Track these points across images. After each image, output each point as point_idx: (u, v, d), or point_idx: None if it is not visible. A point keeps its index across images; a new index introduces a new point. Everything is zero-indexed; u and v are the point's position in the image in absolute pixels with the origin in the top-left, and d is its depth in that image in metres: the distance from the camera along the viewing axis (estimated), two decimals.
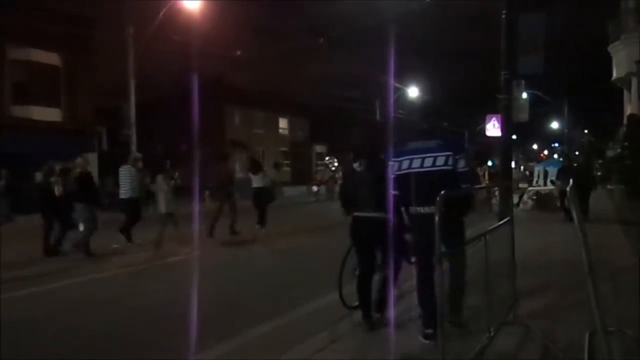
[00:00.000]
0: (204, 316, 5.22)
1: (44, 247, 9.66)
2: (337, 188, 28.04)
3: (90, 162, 10.18)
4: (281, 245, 10.90)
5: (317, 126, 49.33)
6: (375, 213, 4.48)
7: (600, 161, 28.22)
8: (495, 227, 4.71)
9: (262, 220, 11.93)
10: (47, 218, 9.87)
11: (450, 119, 50.14)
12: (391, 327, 4.47)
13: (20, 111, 21.42)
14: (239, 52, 27.15)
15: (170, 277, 7.85)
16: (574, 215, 3.28)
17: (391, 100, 33.08)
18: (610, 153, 25.01)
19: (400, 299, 5.47)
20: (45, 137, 21.20)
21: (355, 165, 4.74)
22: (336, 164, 32.41)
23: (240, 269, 8.54)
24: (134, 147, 21.24)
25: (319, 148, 48.92)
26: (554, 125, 51.46)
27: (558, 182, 14.42)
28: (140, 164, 11.16)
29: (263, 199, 12.20)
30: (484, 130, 20.37)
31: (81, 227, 9.66)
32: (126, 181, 10.66)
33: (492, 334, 4.01)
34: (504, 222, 5.06)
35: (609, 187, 20.56)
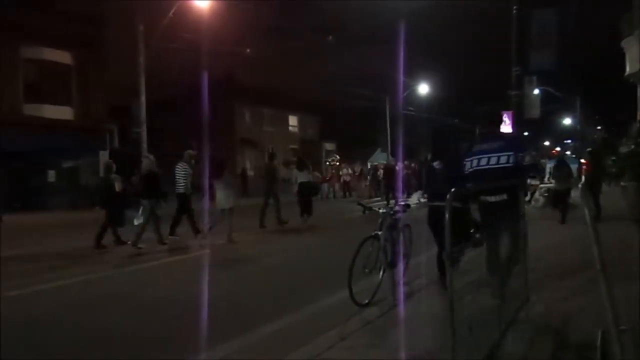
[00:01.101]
0: (215, 313, 5.25)
1: (114, 238, 10.49)
2: (337, 186, 28.01)
3: (154, 162, 10.93)
4: (292, 242, 10.91)
5: (326, 123, 49.32)
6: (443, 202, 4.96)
7: (613, 158, 27.90)
8: (505, 225, 4.67)
9: (308, 212, 13.28)
10: (108, 212, 10.57)
11: (461, 115, 49.90)
12: (402, 325, 4.46)
13: (32, 109, 21.63)
14: (248, 50, 27.18)
15: (184, 273, 7.89)
16: (586, 212, 3.23)
17: (401, 97, 32.90)
18: (623, 149, 24.71)
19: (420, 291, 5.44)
20: (57, 135, 21.41)
21: (435, 163, 5.74)
22: (338, 162, 32.07)
23: (250, 265, 8.55)
24: (144, 145, 21.37)
25: (329, 145, 48.89)
26: (567, 121, 50.99)
27: (551, 181, 13.77)
28: (194, 161, 11.67)
29: (308, 192, 13.75)
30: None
31: (136, 222, 10.28)
32: (182, 177, 11.13)
33: (503, 332, 3.98)
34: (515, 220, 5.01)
35: (622, 184, 20.32)
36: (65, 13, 22.49)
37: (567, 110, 45.91)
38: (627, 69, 20.39)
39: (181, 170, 11.21)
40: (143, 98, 21.58)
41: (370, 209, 6.52)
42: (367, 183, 27.22)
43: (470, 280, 4.56)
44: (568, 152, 44.64)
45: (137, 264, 8.72)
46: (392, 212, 5.88)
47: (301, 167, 14.45)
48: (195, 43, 23.43)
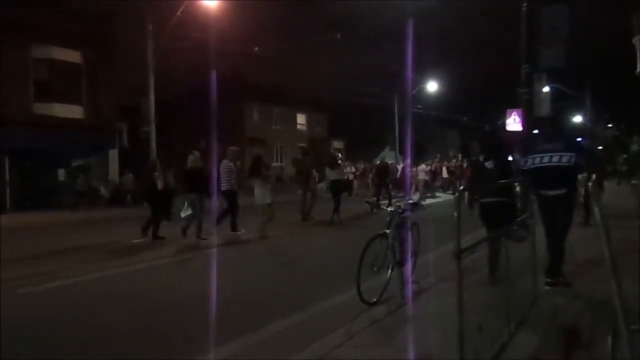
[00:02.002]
0: (224, 311, 5.27)
1: (151, 233, 10.94)
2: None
3: (199, 159, 11.43)
4: (300, 242, 10.92)
5: (335, 122, 49.32)
6: (499, 198, 5.82)
7: (624, 156, 27.64)
8: (515, 224, 4.65)
9: (337, 208, 13.86)
10: (152, 208, 11.18)
11: (470, 113, 49.68)
12: (410, 323, 4.44)
13: (42, 108, 21.81)
14: (256, 49, 27.20)
15: (195, 271, 7.93)
16: (596, 211, 3.20)
17: (410, 95, 32.78)
18: (634, 147, 24.49)
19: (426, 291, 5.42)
20: (67, 134, 21.57)
21: (487, 163, 6.17)
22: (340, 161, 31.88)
23: (259, 263, 8.57)
24: (153, 144, 21.49)
25: (337, 143, 48.86)
26: (577, 119, 50.57)
27: None
28: (238, 159, 12.21)
29: (339, 189, 14.65)
30: (504, 124, 20.10)
31: (183, 214, 10.88)
32: (226, 174, 11.54)
33: (512, 331, 3.96)
34: (525, 218, 4.98)
35: (633, 182, 20.13)
36: (75, 12, 22.65)
37: (578, 107, 45.53)
38: (638, 67, 20.20)
39: (225, 168, 11.63)
40: (152, 97, 21.69)
41: (378, 207, 6.52)
42: (369, 181, 27.05)
43: (480, 278, 4.56)
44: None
45: (154, 260, 8.77)
46: (400, 210, 5.87)
47: (333, 165, 15.35)
48: (204, 42, 23.51)
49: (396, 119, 40.00)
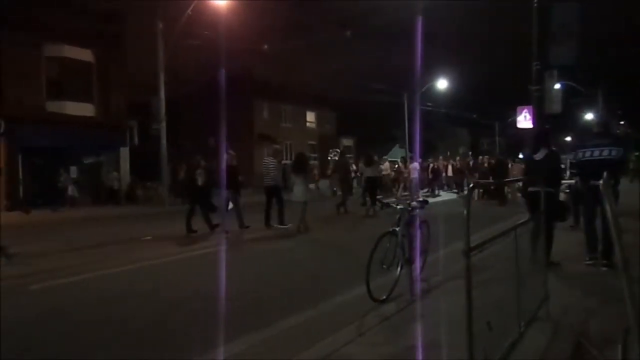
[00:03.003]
0: (234, 307, 5.30)
1: (186, 227, 11.62)
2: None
3: (235, 157, 12.38)
4: (310, 239, 10.94)
5: (344, 119, 49.25)
6: (545, 188, 6.32)
7: (637, 153, 27.33)
8: (526, 221, 4.63)
9: (373, 202, 14.50)
10: (192, 203, 11.93)
11: (481, 110, 49.40)
12: (419, 321, 4.45)
13: (54, 106, 22.00)
14: (266, 47, 27.22)
15: (206, 267, 7.98)
16: (607, 208, 3.18)
17: (418, 93, 32.64)
18: None
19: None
20: (78, 131, 21.75)
21: (536, 155, 6.90)
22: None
23: (270, 260, 8.60)
24: (164, 141, 21.60)
25: (346, 141, 48.82)
26: (589, 116, 50.09)
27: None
28: (280, 156, 12.93)
29: (374, 185, 15.59)
30: (515, 122, 19.97)
31: (227, 209, 11.88)
32: (270, 171, 12.21)
33: (522, 330, 3.95)
34: (535, 216, 4.95)
35: None
36: (86, 11, 22.80)
37: (589, 104, 45.08)
38: None
39: (269, 165, 12.27)
40: (162, 95, 21.80)
41: (388, 205, 6.53)
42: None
43: (489, 276, 4.51)
44: (568, 139, 43.83)
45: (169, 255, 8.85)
46: (409, 208, 5.87)
47: (369, 163, 16.25)
48: (213, 40, 23.55)
49: (406, 116, 39.86)
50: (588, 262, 6.64)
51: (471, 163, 25.44)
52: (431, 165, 25.78)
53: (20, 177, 21.23)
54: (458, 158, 30.74)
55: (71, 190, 21.75)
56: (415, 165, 22.21)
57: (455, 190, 25.33)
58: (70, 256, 9.20)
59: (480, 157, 26.50)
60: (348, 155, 28.36)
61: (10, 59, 20.33)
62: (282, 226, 11.80)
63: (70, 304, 6.00)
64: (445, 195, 23.31)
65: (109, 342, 4.62)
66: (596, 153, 6.56)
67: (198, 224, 11.76)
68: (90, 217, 17.50)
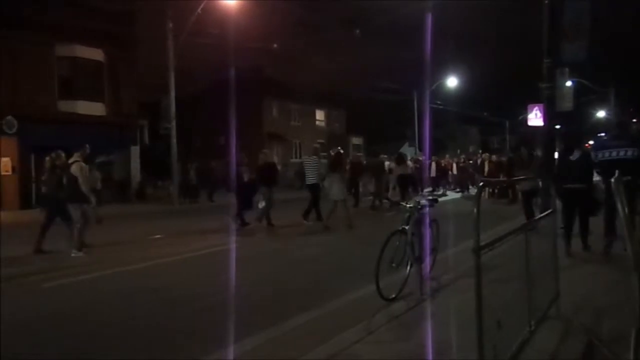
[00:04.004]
0: (244, 305, 5.33)
1: (240, 221, 12.15)
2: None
3: (269, 155, 12.94)
4: (319, 237, 10.96)
5: (353, 118, 49.19)
6: (580, 185, 7.35)
7: None
8: (537, 219, 4.60)
9: (403, 199, 14.46)
10: (239, 198, 12.29)
11: (491, 108, 49.10)
12: (429, 320, 4.44)
13: (66, 106, 22.19)
14: (275, 45, 27.24)
15: (216, 265, 8.02)
16: (619, 207, 3.15)
17: (428, 91, 32.50)
18: None
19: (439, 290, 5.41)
20: (89, 130, 21.90)
21: (571, 156, 7.60)
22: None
23: (280, 258, 8.63)
24: (174, 141, 21.72)
25: (356, 139, 48.76)
26: (600, 114, 49.61)
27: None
28: (320, 155, 13.33)
29: (405, 182, 16.81)
30: (525, 120, 19.79)
31: (260, 205, 12.18)
32: (311, 169, 12.66)
33: (532, 329, 3.93)
34: (546, 214, 4.92)
35: None
36: (97, 11, 22.94)
37: (601, 102, 44.63)
38: None
39: (311, 163, 12.80)
40: (173, 94, 21.91)
41: (397, 203, 6.53)
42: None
43: (499, 275, 4.49)
44: (591, 142, 43.30)
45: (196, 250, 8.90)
46: (419, 206, 5.86)
47: (399, 161, 17.27)
48: (223, 39, 23.62)
49: (415, 114, 39.72)
50: (605, 250, 7.18)
51: (479, 162, 25.01)
52: (434, 163, 24.95)
53: (33, 175, 21.43)
54: (462, 156, 30.36)
55: (99, 187, 21.82)
56: (409, 163, 21.27)
57: (458, 190, 24.78)
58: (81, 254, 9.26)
59: (483, 154, 26.06)
60: (358, 154, 28.28)
61: (23, 59, 20.53)
62: (307, 222, 12.30)
63: (82, 301, 6.06)
64: (451, 195, 22.80)
65: (118, 340, 4.66)
66: (614, 154, 7.22)
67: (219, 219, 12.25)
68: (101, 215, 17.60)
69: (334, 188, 11.79)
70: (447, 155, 30.29)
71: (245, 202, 12.28)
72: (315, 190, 12.56)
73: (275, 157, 39.53)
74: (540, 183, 8.95)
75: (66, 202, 9.08)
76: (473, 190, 22.95)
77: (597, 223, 7.54)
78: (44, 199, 9.82)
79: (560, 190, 7.28)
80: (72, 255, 8.84)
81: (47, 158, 9.81)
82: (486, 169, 21.98)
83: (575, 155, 7.64)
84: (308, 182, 12.77)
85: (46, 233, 9.45)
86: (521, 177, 10.31)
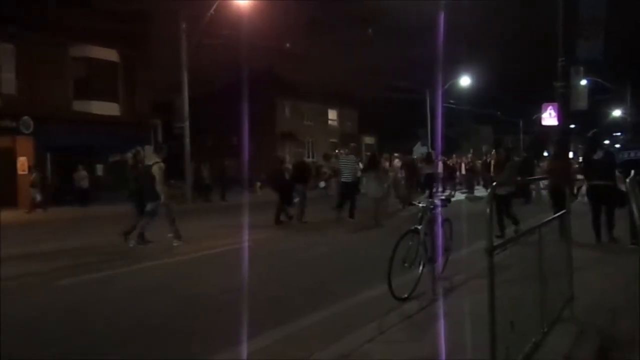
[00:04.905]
0: (257, 303, 5.35)
1: (284, 215, 12.76)
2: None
3: (302, 154, 13.12)
4: (329, 237, 10.96)
5: (366, 117, 49.11)
6: (606, 182, 7.94)
7: None
8: (550, 220, 4.57)
9: (430, 195, 15.84)
10: (281, 195, 12.78)
11: (505, 107, 48.71)
12: (441, 320, 4.43)
13: (81, 106, 22.46)
14: (288, 45, 27.30)
15: (231, 264, 8.07)
16: (634, 208, 3.13)
17: (440, 90, 32.32)
18: None
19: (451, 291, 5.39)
20: (104, 130, 22.15)
21: (595, 155, 8.20)
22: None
23: (292, 257, 8.65)
24: (187, 140, 21.86)
25: (368, 139, 48.67)
26: (616, 113, 48.96)
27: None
28: (358, 154, 14.15)
29: (432, 181, 17.95)
30: (539, 119, 19.58)
31: (295, 202, 12.84)
32: (347, 168, 13.15)
33: (545, 330, 3.90)
34: (560, 215, 4.88)
35: None
36: (111, 12, 23.19)
37: (617, 101, 44.03)
38: None
39: (347, 162, 13.32)
40: (186, 93, 22.06)
41: (411, 203, 6.53)
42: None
43: (512, 276, 4.46)
44: (617, 145, 42.79)
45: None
46: (432, 206, 5.85)
47: (428, 160, 18.44)
48: (236, 39, 23.71)
49: (428, 114, 39.55)
50: (631, 246, 7.34)
51: (488, 161, 24.44)
52: (440, 163, 24.46)
53: (49, 175, 21.71)
54: (470, 156, 29.90)
55: (85, 186, 21.46)
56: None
57: (464, 190, 23.98)
58: (95, 253, 9.37)
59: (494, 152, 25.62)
60: (369, 153, 28.24)
61: (39, 60, 20.81)
62: (351, 219, 12.68)
63: (96, 299, 6.13)
64: (458, 196, 21.65)
65: (132, 338, 4.71)
66: (632, 154, 8.47)
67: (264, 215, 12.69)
68: (114, 214, 17.78)
69: (370, 186, 12.16)
70: (454, 155, 29.88)
71: (287, 199, 12.83)
72: (351, 188, 12.95)
73: (287, 157, 39.74)
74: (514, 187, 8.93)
75: (145, 199, 9.64)
76: (478, 192, 22.68)
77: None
78: (131, 195, 10.33)
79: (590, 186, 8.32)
80: (130, 245, 9.46)
81: (130, 155, 10.58)
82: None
83: (598, 155, 8.21)
84: (344, 180, 13.17)
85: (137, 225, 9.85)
86: (537, 177, 10.47)
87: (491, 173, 20.85)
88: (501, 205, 9.16)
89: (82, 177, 21.31)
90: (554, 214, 5.56)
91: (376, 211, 12.05)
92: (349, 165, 13.15)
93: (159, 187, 9.49)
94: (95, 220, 16.10)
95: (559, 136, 10.45)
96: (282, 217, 12.77)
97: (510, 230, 8.69)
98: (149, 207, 9.57)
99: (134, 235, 9.60)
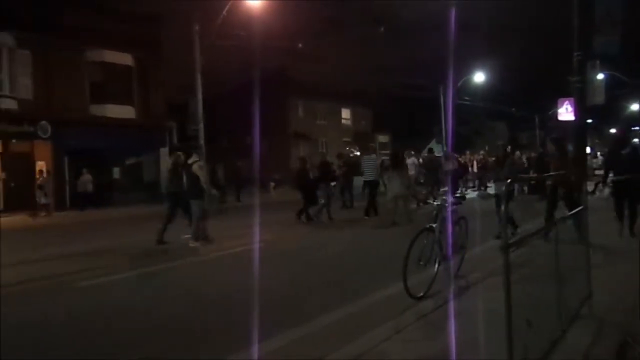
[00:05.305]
0: (273, 303, 5.38)
1: (305, 216, 13.05)
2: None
3: (326, 155, 13.88)
4: (346, 235, 10.97)
5: (379, 116, 48.95)
6: (628, 175, 8.21)
7: None
8: (567, 216, 4.52)
9: (454, 193, 15.83)
10: (304, 195, 13.11)
11: (520, 103, 48.21)
12: (457, 318, 4.41)
13: (97, 109, 22.74)
14: (300, 45, 27.31)
15: (247, 264, 8.11)
16: None
17: (452, 87, 32.06)
18: None
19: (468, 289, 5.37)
20: (120, 133, 22.40)
21: (622, 151, 8.59)
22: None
23: (307, 256, 8.66)
24: (202, 142, 21.99)
25: (382, 137, 48.51)
26: (634, 107, 48.15)
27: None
28: (378, 154, 14.04)
29: (455, 178, 18.22)
30: (555, 114, 19.35)
31: (322, 201, 13.25)
32: (369, 167, 13.84)
33: (564, 328, 3.86)
34: (577, 211, 4.83)
35: None
36: (125, 16, 23.43)
37: (635, 95, 43.31)
38: None
39: (369, 162, 13.99)
40: (200, 95, 22.19)
41: (425, 201, 6.51)
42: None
43: (529, 273, 4.44)
44: (636, 140, 42.04)
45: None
46: (447, 204, 5.82)
47: (448, 157, 18.74)
48: (249, 40, 23.79)
49: (442, 111, 39.28)
50: None
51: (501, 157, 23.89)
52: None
53: (67, 178, 22.03)
54: (482, 152, 29.52)
55: (89, 190, 21.29)
56: (413, 160, 19.95)
57: (475, 188, 23.50)
58: (115, 254, 9.49)
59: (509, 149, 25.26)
60: (384, 152, 28.23)
61: (55, 65, 21.12)
62: (366, 217, 13.10)
63: (116, 300, 6.21)
64: (471, 193, 21.35)
65: (150, 338, 4.76)
66: None
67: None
68: (132, 215, 17.98)
69: (394, 184, 12.29)
70: (467, 152, 29.52)
71: (311, 199, 13.14)
72: (373, 186, 13.43)
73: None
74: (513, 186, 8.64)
75: (188, 198, 9.88)
76: (490, 189, 22.35)
77: None
78: (168, 195, 10.62)
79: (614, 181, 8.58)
80: (190, 245, 9.68)
81: (170, 159, 11.16)
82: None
83: (626, 150, 8.60)
84: (366, 179, 13.77)
85: (167, 226, 10.14)
86: (554, 173, 10.16)
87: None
88: (498, 203, 8.71)
89: (86, 181, 21.25)
90: (569, 211, 5.53)
91: (405, 208, 12.18)
92: (370, 165, 13.80)
93: (202, 184, 9.77)
94: (114, 222, 16.30)
95: (558, 134, 10.44)
96: (302, 219, 13.02)
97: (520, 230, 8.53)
98: (194, 205, 9.81)
99: (194, 237, 9.78)
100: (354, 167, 14.19)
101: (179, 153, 10.79)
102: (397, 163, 12.84)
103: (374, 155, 14.53)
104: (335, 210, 14.06)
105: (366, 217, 13.16)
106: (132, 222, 16.14)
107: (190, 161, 10.10)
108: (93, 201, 20.85)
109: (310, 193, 13.19)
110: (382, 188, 14.13)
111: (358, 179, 16.43)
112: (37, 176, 19.64)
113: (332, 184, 14.21)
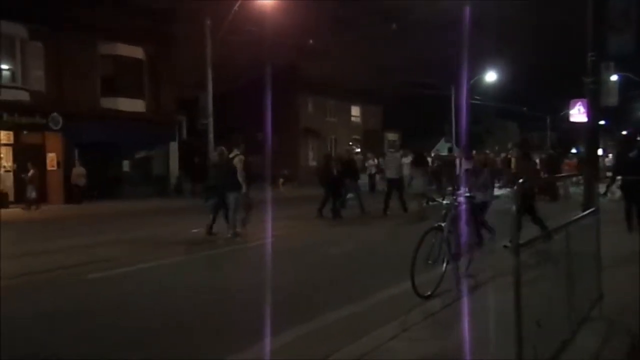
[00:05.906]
0: (281, 300, 5.37)
1: (331, 212, 13.20)
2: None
3: (352, 151, 14.32)
4: (355, 234, 10.95)
5: (389, 113, 48.76)
6: (636, 177, 8.44)
7: None
8: (579, 218, 4.46)
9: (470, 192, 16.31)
10: (327, 190, 13.31)
11: (531, 103, 47.87)
12: (466, 318, 4.38)
13: (108, 103, 22.84)
14: (311, 41, 27.28)
15: (255, 260, 8.13)
16: None
17: (465, 86, 31.90)
18: None
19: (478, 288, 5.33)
20: (130, 126, 22.49)
21: (630, 154, 8.85)
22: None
23: (316, 254, 8.66)
24: (211, 136, 22.07)
25: (392, 135, 48.33)
26: None
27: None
28: (399, 151, 14.98)
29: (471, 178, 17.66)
30: (567, 115, 19.22)
31: (349, 196, 13.68)
32: (391, 165, 14.08)
33: (574, 329, 3.82)
34: (589, 213, 4.77)
35: None
36: (137, 10, 23.49)
37: None
38: None
39: (391, 159, 14.28)
40: (210, 90, 22.26)
41: (433, 200, 6.47)
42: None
43: (539, 274, 4.40)
44: None
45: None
46: (456, 203, 5.79)
47: (468, 156, 17.78)
48: (260, 36, 23.81)
49: (452, 110, 39.09)
50: None
51: (509, 157, 23.65)
52: (457, 160, 24.08)
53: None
54: (490, 152, 29.36)
55: (81, 183, 20.73)
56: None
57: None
58: (124, 247, 9.54)
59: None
60: (391, 150, 28.07)
61: (68, 58, 21.22)
62: (406, 212, 13.43)
63: (125, 293, 6.25)
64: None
65: (158, 332, 4.78)
66: None
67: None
68: (140, 209, 18.08)
69: (416, 182, 12.49)
70: (474, 151, 29.32)
71: (337, 195, 13.31)
72: (396, 184, 13.67)
73: (311, 153, 39.74)
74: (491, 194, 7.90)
75: (226, 191, 10.09)
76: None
77: None
78: (210, 189, 10.76)
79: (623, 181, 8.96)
80: (228, 236, 9.97)
81: (216, 154, 11.29)
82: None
83: (634, 153, 8.80)
84: (389, 177, 14.01)
85: (216, 218, 10.38)
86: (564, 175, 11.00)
87: (513, 170, 20.66)
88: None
89: (79, 174, 20.74)
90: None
91: (420, 206, 12.25)
92: (393, 163, 14.04)
93: (241, 177, 9.99)
94: (126, 214, 16.40)
95: (522, 140, 10.67)
96: (325, 213, 13.15)
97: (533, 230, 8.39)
98: (231, 197, 9.97)
99: (231, 228, 10.01)
100: (349, 166, 14.04)
101: (223, 148, 10.95)
102: (422, 162, 13.22)
103: (397, 154, 14.59)
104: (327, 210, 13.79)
105: (384, 214, 13.37)
106: (141, 215, 16.23)
107: (231, 155, 10.36)
108: (88, 196, 20.52)
109: (336, 188, 13.35)
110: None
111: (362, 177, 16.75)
112: (28, 170, 18.79)
113: (357, 180, 14.56)
